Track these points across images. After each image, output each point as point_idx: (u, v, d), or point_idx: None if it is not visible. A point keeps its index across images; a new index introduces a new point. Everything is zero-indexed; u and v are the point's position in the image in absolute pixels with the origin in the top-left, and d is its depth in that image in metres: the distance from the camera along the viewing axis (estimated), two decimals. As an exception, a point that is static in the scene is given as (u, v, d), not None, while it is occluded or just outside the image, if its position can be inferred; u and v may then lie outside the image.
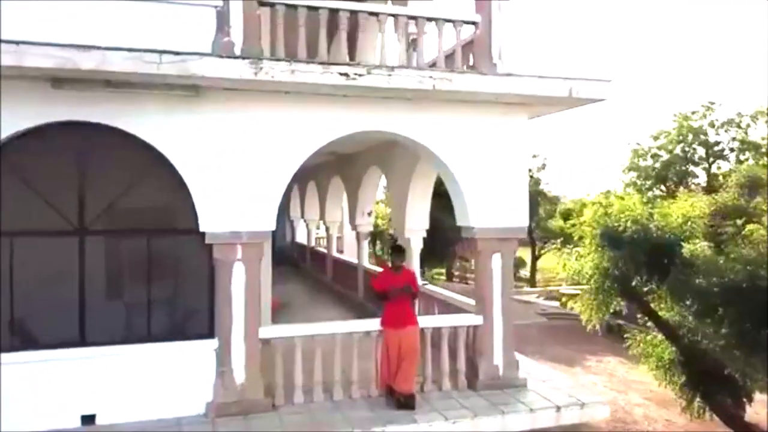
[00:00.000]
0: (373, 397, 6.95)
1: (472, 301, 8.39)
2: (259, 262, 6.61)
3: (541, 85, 6.69)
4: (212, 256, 6.45)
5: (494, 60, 7.05)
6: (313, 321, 7.03)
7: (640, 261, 10.45)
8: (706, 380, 10.55)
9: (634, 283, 10.83)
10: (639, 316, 12.23)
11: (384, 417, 6.35)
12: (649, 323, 11.83)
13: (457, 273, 40.12)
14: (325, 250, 18.07)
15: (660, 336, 11.39)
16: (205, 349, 6.46)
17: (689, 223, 10.83)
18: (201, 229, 6.36)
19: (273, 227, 6.63)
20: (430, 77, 6.29)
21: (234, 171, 6.46)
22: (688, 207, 11.27)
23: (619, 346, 25.49)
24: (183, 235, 6.54)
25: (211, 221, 6.38)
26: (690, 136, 32.39)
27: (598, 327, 11.72)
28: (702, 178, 31.61)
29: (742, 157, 30.69)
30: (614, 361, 24.47)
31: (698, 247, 10.51)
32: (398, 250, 7.16)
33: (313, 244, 20.67)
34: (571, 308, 12.38)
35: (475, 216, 7.28)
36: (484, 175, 7.30)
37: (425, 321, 7.23)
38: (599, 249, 10.91)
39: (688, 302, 10.33)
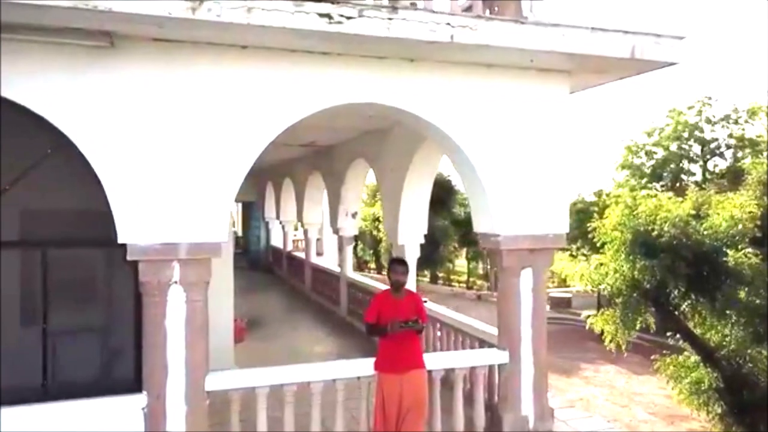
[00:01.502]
0: (364, 464, 5.14)
1: (486, 327, 6.62)
2: (206, 285, 4.73)
3: (595, 40, 4.91)
4: (137, 276, 4.55)
5: (524, 13, 5.24)
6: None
7: (680, 272, 8.77)
8: (752, 411, 8.89)
9: (669, 297, 9.13)
10: (669, 334, 10.56)
11: (381, 502, 4.53)
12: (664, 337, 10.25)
13: (441, 275, 38.48)
14: (303, 255, 16.17)
15: (694, 358, 9.72)
16: (128, 409, 4.57)
17: (739, 226, 9.16)
18: (120, 240, 4.47)
19: (225, 237, 4.74)
20: (448, 24, 4.44)
21: (168, 158, 4.58)
22: (736, 207, 9.59)
23: (615, 354, 24.08)
24: (94, 247, 4.64)
25: (134, 229, 4.49)
26: (685, 133, 31.11)
27: (623, 347, 9.99)
28: (698, 176, 30.31)
29: (739, 154, 29.44)
30: (612, 371, 23.22)
31: (744, 256, 8.84)
32: (400, 264, 5.29)
33: (290, 248, 18.75)
34: (590, 324, 10.65)
35: (499, 220, 5.48)
36: (512, 165, 5.51)
37: (433, 360, 5.41)
38: (629, 257, 9.19)
39: (732, 320, 8.65)
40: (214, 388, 4.78)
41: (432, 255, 26.45)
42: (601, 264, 9.93)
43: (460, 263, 41.31)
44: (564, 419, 6.02)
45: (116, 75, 4.46)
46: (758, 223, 9.49)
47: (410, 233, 8.65)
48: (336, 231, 12.08)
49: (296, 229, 23.46)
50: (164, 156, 4.56)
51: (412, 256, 8.59)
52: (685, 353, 9.99)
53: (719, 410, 9.38)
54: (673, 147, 30.87)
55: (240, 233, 27.96)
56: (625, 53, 4.99)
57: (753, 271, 8.75)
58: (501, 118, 5.46)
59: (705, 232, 9.07)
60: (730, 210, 9.41)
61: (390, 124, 8.84)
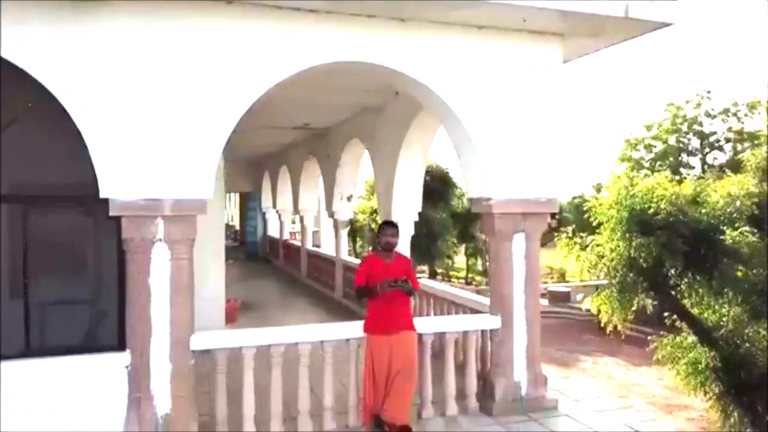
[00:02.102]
0: (352, 428, 5.06)
1: (480, 298, 6.55)
2: (191, 243, 4.64)
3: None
4: (120, 233, 4.48)
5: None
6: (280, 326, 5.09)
7: (677, 249, 8.66)
8: (750, 391, 8.80)
9: (665, 276, 9.03)
10: (666, 314, 10.46)
11: (369, 461, 4.46)
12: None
13: (440, 271, 38.29)
14: (299, 244, 16.10)
15: (691, 338, 9.63)
16: (111, 367, 4.50)
17: (737, 203, 9.05)
18: (102, 195, 4.39)
19: (210, 194, 4.66)
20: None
21: (152, 113, 4.50)
22: (734, 185, 9.49)
23: (613, 346, 24.01)
24: (77, 203, 4.56)
25: (117, 184, 4.41)
26: (684, 126, 31.03)
27: (620, 327, 9.89)
28: (698, 169, 30.20)
29: (738, 148, 29.34)
30: (610, 362, 23.17)
31: (742, 234, 8.74)
32: (390, 226, 5.21)
33: (286, 237, 18.67)
34: (590, 305, 10.55)
35: (492, 183, 5.40)
36: (505, 129, 5.43)
37: (424, 324, 5.33)
38: (625, 236, 9.09)
39: (729, 299, 8.56)
40: (200, 347, 4.70)
41: (430, 249, 26.30)
42: (598, 245, 9.84)
43: (459, 260, 41.21)
44: (557, 389, 5.93)
45: (100, 28, 4.38)
46: (756, 200, 9.41)
47: (404, 210, 8.57)
48: (331, 215, 12.00)
49: (293, 222, 23.44)
50: (149, 110, 4.48)
51: (405, 233, 8.50)
52: (683, 334, 9.91)
53: (716, 390, 9.29)
54: (672, 140, 30.78)
55: (237, 226, 27.89)
56: (618, 12, 4.91)
57: (751, 250, 8.67)
58: (494, 81, 5.39)
59: (702, 210, 8.99)
60: (728, 188, 9.33)
61: (384, 100, 8.77)
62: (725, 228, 8.85)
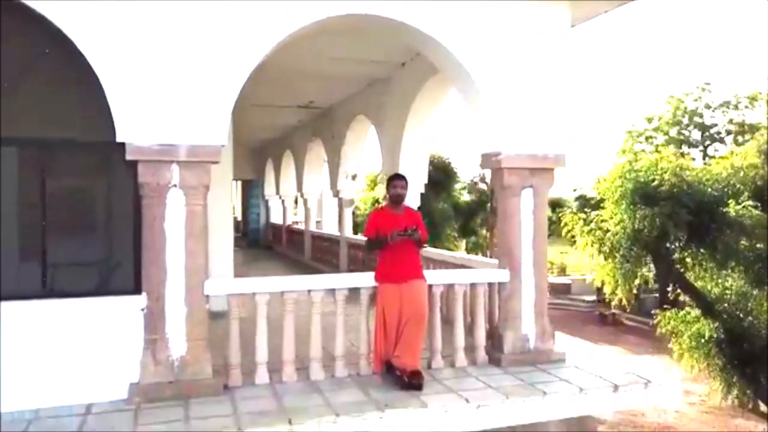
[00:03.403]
0: (363, 376, 5.13)
1: (487, 259, 6.62)
2: (205, 190, 4.72)
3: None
4: (137, 179, 4.55)
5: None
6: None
7: (681, 220, 8.73)
8: (752, 362, 8.88)
9: (669, 248, 9.10)
10: (669, 288, 10.54)
11: (380, 400, 4.52)
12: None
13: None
14: (302, 227, 16.17)
15: (694, 312, 9.70)
16: (127, 309, 4.58)
17: (740, 173, 9.11)
18: (119, 139, 4.46)
19: (225, 140, 4.74)
20: None
21: (168, 58, 4.57)
22: (738, 155, 9.54)
23: (614, 336, 24.12)
24: (93, 148, 4.64)
25: (133, 128, 4.49)
26: (685, 119, 31.08)
27: (625, 302, 9.96)
28: (699, 162, 30.26)
29: (739, 140, 29.39)
30: (611, 351, 23.28)
31: (746, 208, 8.81)
32: (399, 178, 5.28)
33: (289, 222, 18.74)
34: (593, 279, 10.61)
35: (501, 138, 5.48)
36: (513, 86, 5.52)
37: (433, 276, 5.40)
38: (630, 208, 9.16)
39: (733, 271, 8.63)
40: (214, 292, 4.77)
41: (431, 238, 26.33)
42: (603, 220, 9.90)
43: (460, 255, 41.19)
44: (565, 347, 6.00)
45: (117, -26, 4.45)
46: (761, 171, 9.46)
47: (410, 183, 8.63)
48: (336, 193, 12.07)
49: (296, 213, 23.48)
50: (165, 55, 4.55)
51: (412, 206, 8.57)
52: (686, 309, 9.97)
53: (719, 362, 9.36)
54: (673, 132, 30.83)
55: (240, 217, 27.95)
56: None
57: (754, 222, 8.73)
58: (505, 39, 5.47)
59: (706, 181, 9.06)
60: (731, 159, 9.40)
61: (390, 72, 8.85)
62: (729, 201, 8.92)
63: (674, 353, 10.38)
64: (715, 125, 30.84)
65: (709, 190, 8.97)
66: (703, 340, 9.40)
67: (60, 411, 4.26)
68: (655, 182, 9.06)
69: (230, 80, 4.74)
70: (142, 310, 4.57)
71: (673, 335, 10.06)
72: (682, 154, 9.87)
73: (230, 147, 8.21)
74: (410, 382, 4.75)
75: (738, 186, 9.07)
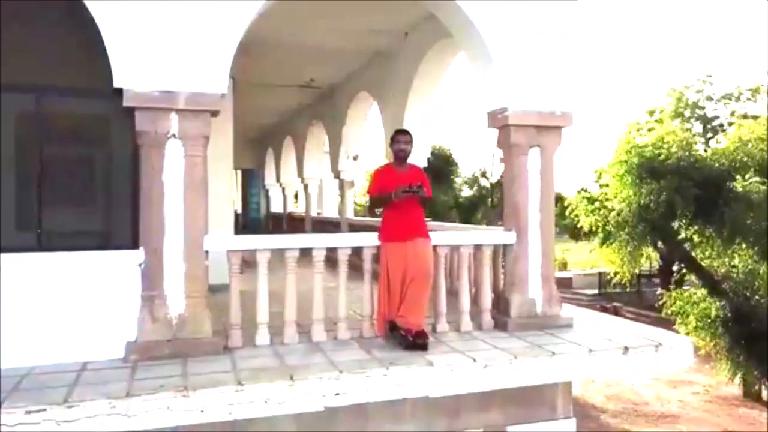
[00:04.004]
0: (366, 338, 4.99)
1: (494, 228, 6.47)
2: (205, 141, 4.58)
3: None
4: (134, 127, 4.41)
5: None
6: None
7: (688, 194, 8.58)
8: (759, 341, 8.74)
9: (675, 226, 8.95)
10: (676, 269, 10.40)
11: (384, 358, 4.38)
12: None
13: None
14: (303, 213, 16.03)
15: (700, 292, 9.55)
16: (124, 264, 4.43)
17: (749, 145, 8.96)
18: (116, 84, 4.32)
19: (225, 89, 4.59)
20: None
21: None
22: (746, 128, 9.38)
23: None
24: (90, 95, 4.49)
25: (131, 74, 4.34)
26: (687, 111, 30.89)
27: (627, 283, 9.81)
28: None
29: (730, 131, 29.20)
30: (619, 320, 23.12)
31: (753, 182, 8.67)
32: (403, 133, 5.13)
33: (290, 209, 18.60)
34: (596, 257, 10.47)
35: (507, 94, 5.34)
36: (520, 40, 5.38)
37: (438, 237, 5.25)
38: (635, 183, 9.01)
39: (739, 248, 8.49)
40: (214, 248, 4.64)
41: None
42: (607, 198, 9.75)
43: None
44: (573, 314, 5.85)
45: None
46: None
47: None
48: (337, 175, 11.93)
49: (296, 203, 23.34)
50: None
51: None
52: (691, 289, 9.82)
53: (725, 342, 9.22)
54: (675, 124, 30.64)
55: (240, 208, 27.79)
56: None
57: (761, 197, 8.58)
58: (508, -12, 5.32)
59: (712, 155, 8.91)
60: (739, 132, 9.25)
61: (392, 44, 8.71)
62: (736, 175, 8.77)
63: (680, 334, 10.24)
64: (717, 117, 30.64)
65: (716, 164, 8.82)
66: (709, 320, 9.26)
67: (54, 368, 4.12)
68: (662, 156, 8.91)
69: (233, 23, 4.59)
70: (140, 265, 4.43)
71: (680, 315, 9.92)
72: (688, 129, 9.70)
73: (230, 136, 8.10)
74: (415, 341, 4.61)
75: (745, 159, 8.92)
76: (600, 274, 31.62)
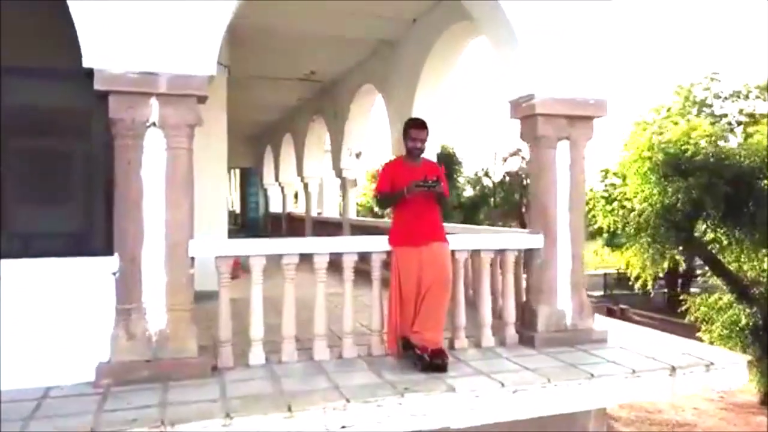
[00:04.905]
0: (375, 356, 4.38)
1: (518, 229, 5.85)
2: (190, 130, 3.96)
3: None
4: (108, 115, 3.79)
5: None
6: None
7: (718, 192, 7.95)
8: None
9: (701, 227, 8.33)
10: (699, 272, 9.76)
11: (397, 382, 3.77)
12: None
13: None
14: (303, 213, 15.42)
15: (726, 298, 8.93)
16: (96, 273, 3.82)
17: None
18: (86, 64, 3.70)
19: (213, 70, 3.98)
20: None
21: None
22: None
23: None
24: (58, 77, 3.87)
25: (104, 51, 3.73)
26: (694, 109, 30.29)
27: (650, 287, 9.21)
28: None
29: (750, 130, 28.62)
30: (659, 333, 22.62)
31: (782, 180, 8.05)
32: (419, 128, 4.50)
33: (290, 209, 17.99)
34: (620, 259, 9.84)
35: (535, 79, 4.73)
36: (548, 17, 4.77)
37: (457, 240, 4.64)
38: (660, 182, 8.38)
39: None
40: (201, 254, 4.02)
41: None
42: (627, 198, 9.13)
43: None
44: (605, 326, 5.24)
45: None
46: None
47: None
48: (339, 173, 11.32)
49: (296, 203, 22.74)
50: (140, -33, 3.80)
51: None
52: (716, 295, 9.22)
53: (756, 352, 8.61)
54: (682, 123, 30.04)
55: (238, 207, 27.21)
56: None
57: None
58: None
59: (743, 152, 8.30)
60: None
61: (399, 32, 8.11)
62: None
63: (704, 342, 9.65)
64: (725, 115, 30.04)
65: (747, 161, 8.20)
66: (737, 328, 8.65)
67: (10, 396, 3.50)
68: (689, 152, 8.29)
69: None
70: (114, 274, 3.82)
71: (704, 322, 9.31)
72: (713, 124, 9.13)
73: (224, 130, 7.51)
74: (432, 361, 4.00)
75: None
76: (605, 275, 30.99)
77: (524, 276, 5.10)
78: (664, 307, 24.95)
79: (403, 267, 4.23)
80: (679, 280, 24.95)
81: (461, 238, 4.72)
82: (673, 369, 4.19)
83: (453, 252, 4.50)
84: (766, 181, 8.00)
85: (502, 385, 3.79)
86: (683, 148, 8.36)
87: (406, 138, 4.47)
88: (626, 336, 5.09)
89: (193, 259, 3.99)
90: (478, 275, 4.81)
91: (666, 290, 25.74)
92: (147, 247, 3.85)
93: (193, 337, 3.91)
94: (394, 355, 4.34)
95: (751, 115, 29.40)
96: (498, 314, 4.92)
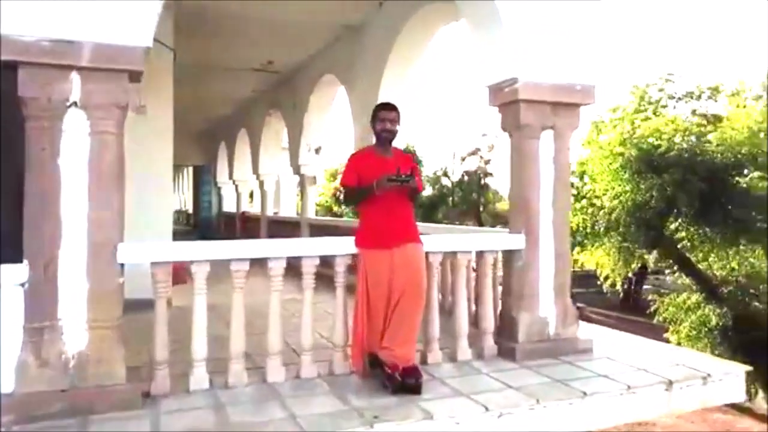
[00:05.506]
0: (339, 376, 3.82)
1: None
2: (121, 113, 3.33)
3: None
4: (18, 91, 3.13)
5: None
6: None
7: (693, 189, 7.70)
8: (761, 350, 7.97)
9: (674, 226, 8.07)
10: (667, 272, 9.57)
11: (365, 408, 3.23)
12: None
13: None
14: (258, 213, 14.68)
15: (695, 297, 8.73)
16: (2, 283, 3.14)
17: (761, 134, 8.12)
18: (-13, 28, 3.03)
19: (149, 40, 3.35)
20: None
21: None
22: (760, 114, 8.52)
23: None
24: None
25: (12, 13, 3.06)
26: (649, 110, 30.78)
27: (618, 287, 8.92)
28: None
29: (702, 130, 29.20)
30: (645, 340, 22.69)
31: (755, 177, 7.85)
32: (389, 109, 3.96)
33: (245, 208, 17.21)
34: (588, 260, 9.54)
35: (518, 61, 4.26)
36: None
37: (430, 241, 4.11)
38: (633, 177, 8.08)
39: (744, 248, 7.68)
40: (133, 259, 3.38)
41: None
42: (596, 196, 8.83)
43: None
44: (590, 333, 4.83)
45: None
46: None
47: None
48: (297, 170, 10.69)
49: (251, 202, 21.93)
50: None
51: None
52: (684, 294, 9.03)
53: (726, 352, 8.42)
54: (638, 123, 30.49)
55: (191, 207, 26.21)
56: None
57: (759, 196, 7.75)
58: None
59: (717, 147, 8.08)
60: (745, 121, 8.45)
61: (364, 17, 7.57)
62: (744, 169, 7.94)
63: (671, 342, 9.47)
64: (678, 116, 30.59)
65: (719, 156, 7.99)
66: (706, 328, 8.46)
67: None
68: (662, 148, 8.02)
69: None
70: (23, 285, 3.15)
71: (672, 323, 9.11)
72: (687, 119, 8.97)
73: (170, 123, 6.82)
74: (405, 382, 3.47)
75: (755, 151, 8.10)
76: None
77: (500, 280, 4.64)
78: (618, 304, 25.17)
79: (372, 272, 3.69)
80: (633, 278, 25.20)
81: (435, 238, 4.20)
82: (670, 383, 3.79)
83: (426, 254, 3.98)
84: (738, 178, 7.84)
85: (486, 408, 3.29)
86: (656, 144, 8.11)
87: (375, 122, 3.93)
88: (612, 344, 4.68)
89: (122, 265, 3.36)
90: (454, 280, 4.31)
91: (619, 288, 26.00)
92: (65, 252, 3.20)
93: (121, 359, 3.27)
94: (360, 373, 3.80)
95: (703, 116, 30.08)
96: (473, 322, 4.44)
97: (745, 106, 26.64)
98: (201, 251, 3.55)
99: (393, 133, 3.90)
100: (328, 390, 3.56)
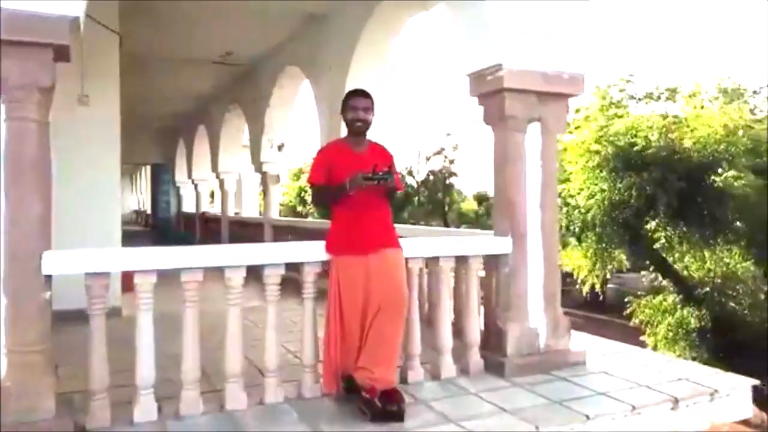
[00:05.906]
0: (309, 401, 3.34)
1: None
2: (46, 94, 2.79)
3: None
4: None
5: None
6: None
7: (672, 188, 7.48)
8: (740, 352, 7.81)
9: (652, 225, 7.84)
10: (643, 273, 9.38)
11: (343, 445, 2.77)
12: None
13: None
14: (219, 213, 14.04)
15: (671, 299, 8.55)
16: None
17: (739, 132, 7.96)
18: None
19: (77, 10, 2.81)
20: None
21: None
22: (730, 114, 8.40)
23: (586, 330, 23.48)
24: None
25: None
26: (611, 110, 31.14)
27: (598, 289, 8.68)
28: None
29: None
30: (639, 350, 22.65)
31: (730, 177, 7.69)
32: (361, 96, 3.50)
33: (204, 209, 16.50)
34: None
35: (503, 46, 3.85)
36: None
37: (409, 246, 3.65)
38: (611, 175, 7.83)
39: (721, 248, 7.50)
40: (59, 271, 2.83)
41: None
42: (571, 195, 8.57)
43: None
44: (582, 344, 4.46)
45: None
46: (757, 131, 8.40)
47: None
48: (259, 168, 10.13)
49: (212, 202, 21.17)
50: None
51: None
52: (661, 296, 8.86)
53: (704, 355, 8.27)
54: (601, 122, 30.78)
55: (149, 209, 25.28)
56: None
57: (751, 190, 7.56)
58: None
59: (694, 145, 7.91)
60: (722, 120, 8.29)
61: (330, 4, 7.09)
62: (721, 167, 7.78)
63: (648, 346, 9.28)
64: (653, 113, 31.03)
65: (696, 155, 7.82)
66: (684, 331, 8.28)
67: None
68: (638, 146, 7.80)
69: None
70: None
71: (649, 326, 8.92)
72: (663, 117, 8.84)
73: (116, 116, 6.19)
74: (386, 408, 3.02)
75: (732, 150, 7.96)
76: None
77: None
78: (584, 303, 25.29)
79: (345, 282, 3.23)
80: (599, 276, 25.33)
81: (415, 242, 3.76)
82: (676, 401, 3.44)
83: (406, 261, 3.53)
84: (715, 177, 7.67)
85: (479, 437, 2.87)
86: (631, 141, 7.90)
87: (345, 111, 3.47)
88: (603, 355, 4.33)
89: (49, 277, 2.81)
90: (436, 288, 3.87)
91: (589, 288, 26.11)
92: (-24, 263, 2.64)
93: (49, 389, 2.73)
94: (333, 395, 3.34)
95: (663, 117, 30.58)
96: (455, 333, 4.01)
97: (702, 107, 27.15)
98: (145, 259, 3.02)
99: (366, 123, 3.44)
100: (297, 418, 3.08)
